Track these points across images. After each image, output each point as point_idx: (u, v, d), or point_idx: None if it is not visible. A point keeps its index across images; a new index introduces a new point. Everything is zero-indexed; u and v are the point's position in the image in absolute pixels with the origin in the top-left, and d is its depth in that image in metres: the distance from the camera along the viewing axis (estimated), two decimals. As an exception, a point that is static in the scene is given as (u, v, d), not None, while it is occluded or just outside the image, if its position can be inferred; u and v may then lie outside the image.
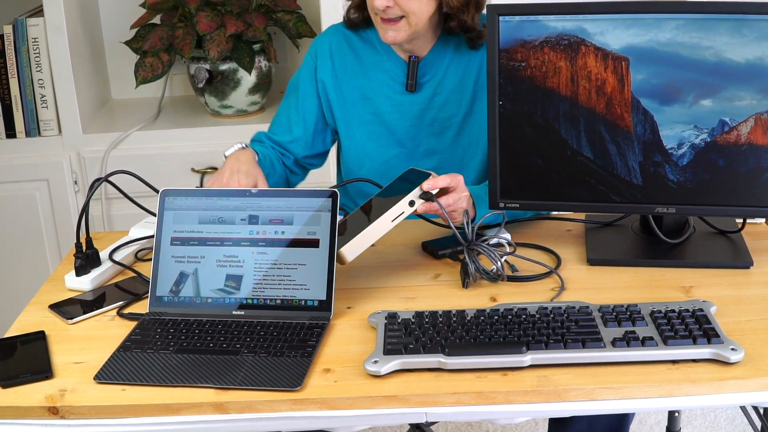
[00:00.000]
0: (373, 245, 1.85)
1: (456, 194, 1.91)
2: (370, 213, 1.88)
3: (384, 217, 1.83)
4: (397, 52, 2.24)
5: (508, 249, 1.92)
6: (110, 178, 2.01)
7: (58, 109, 3.28)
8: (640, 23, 1.84)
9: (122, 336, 1.75)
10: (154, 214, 1.96)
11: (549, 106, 1.92)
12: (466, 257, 1.87)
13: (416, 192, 1.85)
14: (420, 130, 2.24)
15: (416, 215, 1.91)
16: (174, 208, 1.88)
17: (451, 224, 1.86)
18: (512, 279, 1.89)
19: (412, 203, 1.85)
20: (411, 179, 1.90)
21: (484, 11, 2.17)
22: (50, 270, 3.34)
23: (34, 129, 3.29)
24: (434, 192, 1.86)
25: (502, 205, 1.99)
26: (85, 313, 1.85)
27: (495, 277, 1.87)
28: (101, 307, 1.87)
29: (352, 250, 1.82)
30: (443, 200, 1.89)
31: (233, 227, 1.85)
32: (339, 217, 1.83)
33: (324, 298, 1.79)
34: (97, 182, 1.99)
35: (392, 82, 2.25)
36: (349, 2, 2.29)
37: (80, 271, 1.96)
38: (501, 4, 1.92)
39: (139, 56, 3.29)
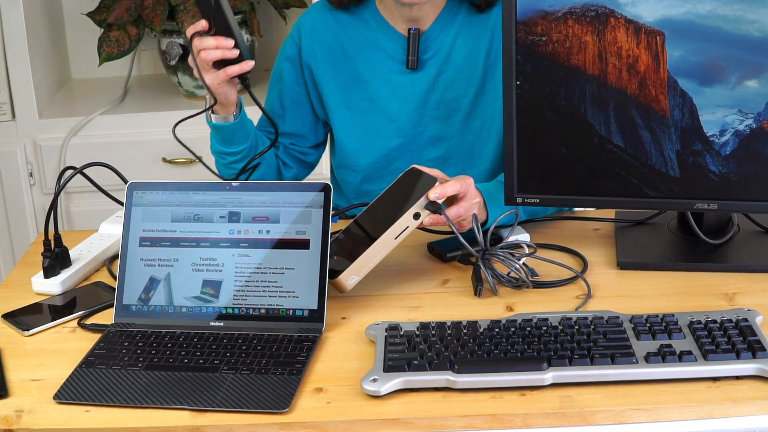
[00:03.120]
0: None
1: (466, 202, 1.91)
2: (369, 227, 1.88)
3: (386, 235, 1.83)
4: (393, 25, 2.23)
5: (527, 250, 1.92)
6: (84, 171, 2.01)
7: (11, 90, 3.29)
8: (677, -8, 1.84)
9: (85, 350, 1.75)
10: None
11: (573, 86, 1.92)
12: (481, 267, 1.87)
13: (421, 202, 1.85)
14: (423, 115, 2.24)
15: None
16: (143, 203, 1.88)
17: (461, 238, 1.86)
18: (530, 286, 1.89)
19: (417, 216, 1.85)
20: (414, 183, 1.90)
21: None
22: (3, 274, 3.34)
23: (-17, 113, 3.30)
24: (441, 201, 1.86)
25: (519, 200, 1.99)
26: (45, 322, 1.85)
27: (518, 285, 1.87)
28: (64, 315, 1.87)
29: (352, 276, 1.83)
30: (452, 211, 1.89)
31: (211, 226, 1.86)
32: (333, 223, 1.83)
33: (315, 307, 1.79)
34: (69, 171, 1.99)
35: (390, 60, 2.24)
36: None
37: (49, 272, 1.97)
38: (518, -30, 1.92)
39: (102, 30, 3.29)
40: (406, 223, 1.84)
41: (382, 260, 1.85)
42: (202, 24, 2.00)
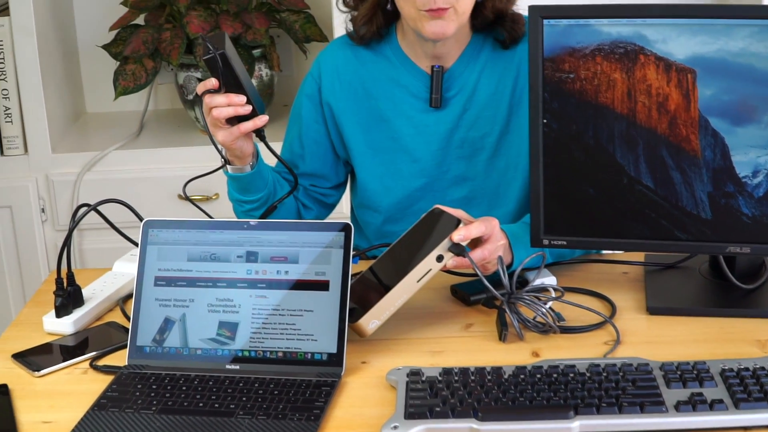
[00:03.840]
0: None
1: (491, 245, 1.91)
2: (390, 269, 1.88)
3: (408, 278, 1.83)
4: (416, 62, 2.24)
5: (553, 294, 1.92)
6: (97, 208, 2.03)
7: (24, 124, 3.31)
8: (708, 30, 1.84)
9: (97, 392, 1.75)
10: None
11: (602, 125, 1.92)
12: (506, 311, 1.87)
13: (445, 244, 1.85)
14: (447, 154, 2.25)
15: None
16: (158, 242, 1.89)
17: (485, 282, 1.86)
18: (557, 331, 1.89)
19: (440, 258, 1.85)
20: (437, 224, 1.90)
21: (525, 13, 2.18)
22: (13, 313, 3.35)
23: (-5, 147, 3.32)
24: (465, 243, 1.86)
25: (546, 242, 1.99)
26: (56, 363, 1.86)
27: (545, 330, 1.87)
28: (76, 356, 1.87)
29: (372, 320, 1.83)
30: (477, 254, 1.90)
31: (228, 265, 1.86)
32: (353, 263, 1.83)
33: (334, 350, 1.79)
34: (84, 209, 2.00)
35: (413, 98, 2.25)
36: (352, 14, 2.27)
37: (61, 311, 1.98)
38: (545, 6, 1.92)
39: (118, 63, 3.31)
40: (429, 265, 1.84)
41: (404, 303, 1.85)
42: (212, 82, 2.01)
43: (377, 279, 1.90)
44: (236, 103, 2.00)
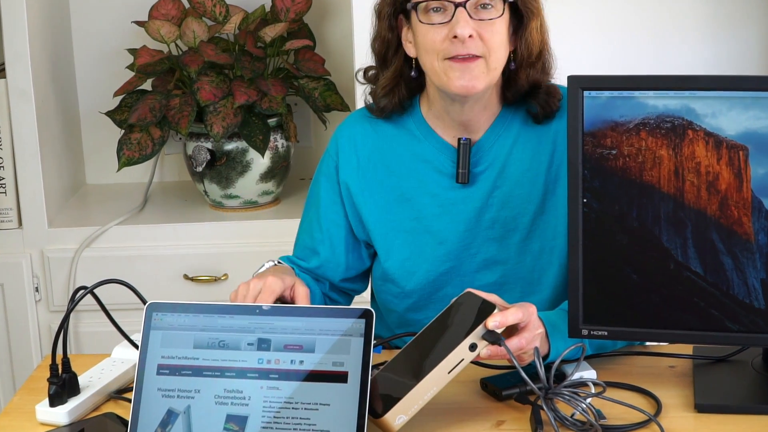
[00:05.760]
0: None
1: (528, 333, 1.91)
2: (419, 359, 1.87)
3: (439, 369, 1.82)
4: (441, 136, 2.25)
5: (593, 389, 1.91)
6: (95, 290, 2.03)
7: (18, 195, 3.32)
8: (761, 104, 1.85)
9: (92, 492, 1.75)
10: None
11: (647, 206, 1.92)
12: (543, 407, 1.86)
13: (479, 332, 1.84)
14: (476, 236, 2.25)
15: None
16: (163, 327, 1.89)
17: (523, 374, 1.85)
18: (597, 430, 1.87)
19: (473, 347, 1.85)
20: (470, 310, 1.90)
21: (564, 84, 2.19)
22: (2, 401, 3.35)
23: (-13, 220, 3.33)
24: (501, 330, 1.86)
25: (585, 332, 1.99)
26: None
27: (585, 429, 1.86)
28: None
29: (400, 415, 1.81)
30: (513, 343, 1.89)
31: (237, 354, 1.86)
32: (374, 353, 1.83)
33: (353, 448, 1.78)
34: (82, 292, 2.01)
35: (438, 175, 2.26)
36: (371, 86, 2.29)
37: (55, 400, 1.98)
38: (585, 76, 1.94)
39: (123, 131, 3.33)
40: (461, 355, 1.84)
41: (430, 398, 1.84)
42: None
43: (404, 370, 1.89)
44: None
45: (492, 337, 1.85)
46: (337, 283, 2.34)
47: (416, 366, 1.86)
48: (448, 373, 1.83)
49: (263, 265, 2.23)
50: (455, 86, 2.12)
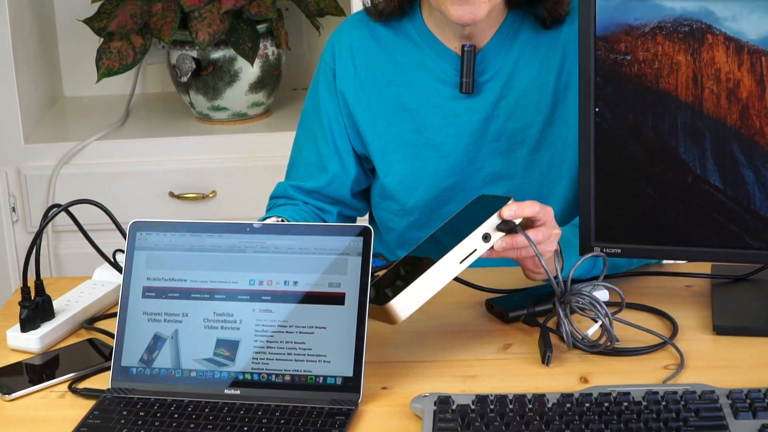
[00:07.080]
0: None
1: (546, 229, 1.90)
2: (429, 253, 1.86)
3: (449, 257, 1.81)
4: (444, 42, 2.23)
5: (606, 309, 1.91)
6: (71, 208, 2.03)
7: (-8, 110, 3.33)
8: (787, 5, 1.84)
9: (76, 419, 1.76)
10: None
11: (663, 115, 1.92)
12: (559, 313, 1.86)
13: (493, 221, 1.83)
14: (481, 149, 2.25)
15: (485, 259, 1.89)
16: (148, 247, 1.89)
17: (545, 265, 1.85)
18: (609, 352, 1.88)
19: (487, 237, 1.84)
20: (483, 206, 1.90)
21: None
22: (-23, 327, 3.37)
23: (-41, 136, 3.33)
24: (517, 222, 1.85)
25: (597, 249, 1.99)
26: (30, 385, 1.86)
27: (597, 347, 1.86)
28: (52, 377, 1.88)
29: (405, 303, 1.80)
30: (532, 234, 1.87)
31: (228, 275, 1.86)
32: (374, 267, 1.82)
33: (350, 374, 1.79)
34: (55, 209, 2.00)
35: (440, 84, 2.25)
36: None
37: (27, 324, 1.98)
38: (598, -24, 1.93)
39: (102, 39, 3.32)
40: (473, 244, 1.82)
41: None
42: None
43: (414, 262, 1.87)
44: None
45: (507, 226, 1.84)
46: (348, 201, 2.33)
47: (427, 258, 1.85)
48: (460, 263, 1.81)
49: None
50: (454, 17, 2.11)
